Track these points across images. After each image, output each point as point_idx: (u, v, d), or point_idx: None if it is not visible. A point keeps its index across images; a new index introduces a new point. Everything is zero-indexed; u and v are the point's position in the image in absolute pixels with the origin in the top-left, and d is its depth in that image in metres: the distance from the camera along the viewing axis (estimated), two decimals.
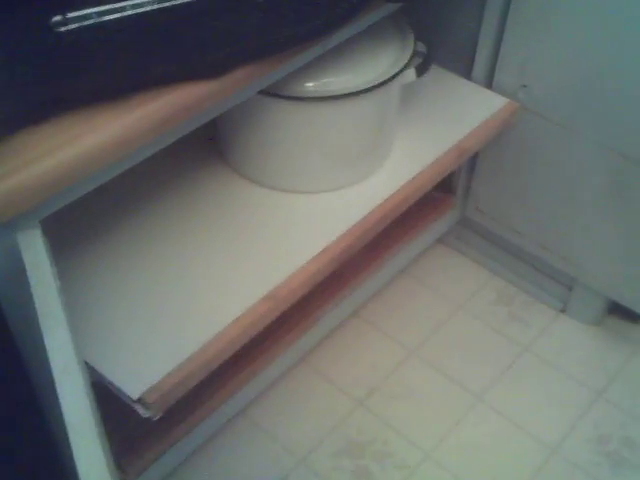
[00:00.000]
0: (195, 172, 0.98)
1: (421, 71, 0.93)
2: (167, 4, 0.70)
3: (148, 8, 0.69)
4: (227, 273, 0.86)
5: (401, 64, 0.90)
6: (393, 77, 0.88)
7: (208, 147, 1.01)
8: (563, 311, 1.29)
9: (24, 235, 0.56)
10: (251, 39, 0.68)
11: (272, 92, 0.84)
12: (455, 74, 1.13)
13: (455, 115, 1.07)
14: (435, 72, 1.09)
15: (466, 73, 1.13)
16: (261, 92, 0.81)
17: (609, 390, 1.19)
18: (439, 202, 1.26)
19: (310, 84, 0.86)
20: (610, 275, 1.16)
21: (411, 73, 0.92)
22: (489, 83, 1.11)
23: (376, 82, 0.87)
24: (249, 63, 0.68)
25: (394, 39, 0.93)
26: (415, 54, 0.92)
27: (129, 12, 0.68)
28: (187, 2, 0.70)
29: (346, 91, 0.86)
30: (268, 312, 0.84)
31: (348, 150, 0.94)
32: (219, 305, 0.82)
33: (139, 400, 0.72)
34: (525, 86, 1.06)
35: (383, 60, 0.90)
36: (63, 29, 0.66)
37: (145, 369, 0.74)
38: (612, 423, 1.14)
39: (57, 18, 0.67)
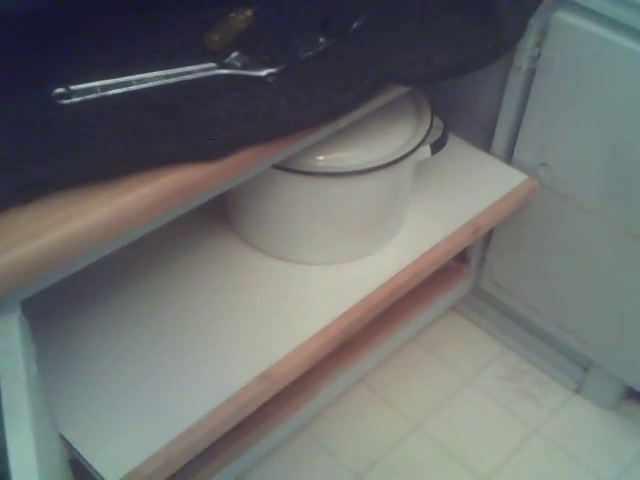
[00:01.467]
0: (199, 238, 0.96)
1: (437, 148, 0.90)
2: (173, 80, 0.68)
3: (153, 84, 0.67)
4: (222, 349, 0.83)
5: (416, 141, 0.87)
6: (406, 155, 0.86)
7: (213, 212, 0.99)
8: (577, 392, 1.24)
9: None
10: (258, 122, 0.66)
11: (281, 166, 0.82)
12: (473, 146, 1.11)
13: (472, 189, 1.04)
14: (452, 142, 1.06)
15: (485, 146, 1.11)
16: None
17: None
18: (452, 271, 1.22)
19: (321, 158, 0.84)
20: (627, 359, 1.12)
21: (426, 151, 0.90)
22: (508, 158, 1.08)
23: (388, 160, 0.85)
24: (254, 146, 0.66)
25: (410, 113, 0.91)
26: (431, 129, 0.90)
27: (134, 87, 0.67)
28: (194, 79, 0.69)
29: (357, 168, 0.83)
30: (263, 392, 0.81)
31: (357, 225, 0.92)
32: (210, 383, 0.79)
33: None
34: (545, 164, 1.03)
35: (397, 135, 0.88)
36: (66, 102, 0.65)
37: (126, 450, 0.71)
38: None
39: (60, 90, 0.65)
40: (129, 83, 0.67)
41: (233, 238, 0.96)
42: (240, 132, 0.64)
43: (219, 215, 0.99)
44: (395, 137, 0.88)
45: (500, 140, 1.08)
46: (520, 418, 1.21)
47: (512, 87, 1.01)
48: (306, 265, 0.93)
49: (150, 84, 0.67)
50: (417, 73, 0.72)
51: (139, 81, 0.67)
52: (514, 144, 1.06)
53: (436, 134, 0.91)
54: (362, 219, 0.92)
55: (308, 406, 1.07)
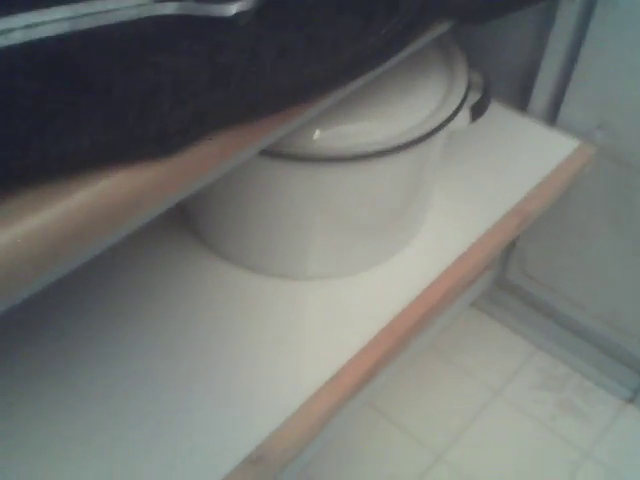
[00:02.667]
0: (159, 248, 0.70)
1: (477, 114, 0.65)
2: (88, 24, 0.41)
3: (54, 30, 0.40)
4: (197, 432, 0.58)
5: (452, 106, 0.62)
6: (440, 126, 0.60)
7: (172, 217, 0.73)
8: (631, 401, 1.02)
9: None
10: (229, 90, 0.39)
11: (267, 149, 0.56)
12: (506, 106, 0.86)
13: (512, 165, 0.79)
14: None
15: (519, 104, 0.85)
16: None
17: None
18: None
19: (320, 137, 0.58)
20: None
21: (464, 117, 0.64)
22: (552, 119, 0.83)
23: (416, 134, 0.59)
24: (225, 130, 0.40)
25: (439, 67, 0.65)
26: (470, 88, 0.64)
27: (18, 36, 0.40)
28: (121, 24, 0.42)
29: (374, 148, 0.58)
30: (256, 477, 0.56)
31: (367, 223, 0.66)
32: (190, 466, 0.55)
33: None
34: (604, 126, 0.79)
35: (425, 98, 0.63)
36: None
37: None
38: None
39: None
40: (10, 31, 0.40)
41: (200, 249, 0.70)
42: (201, 109, 0.38)
43: (180, 221, 0.72)
44: (422, 100, 0.62)
45: (542, 96, 0.83)
46: (563, 438, 0.99)
47: (562, 23, 0.76)
48: (300, 282, 0.67)
49: (48, 31, 0.40)
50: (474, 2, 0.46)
51: (29, 26, 0.40)
52: (560, 101, 0.81)
53: (473, 95, 0.66)
54: (376, 215, 0.66)
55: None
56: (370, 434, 0.98)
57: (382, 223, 0.67)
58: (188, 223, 0.71)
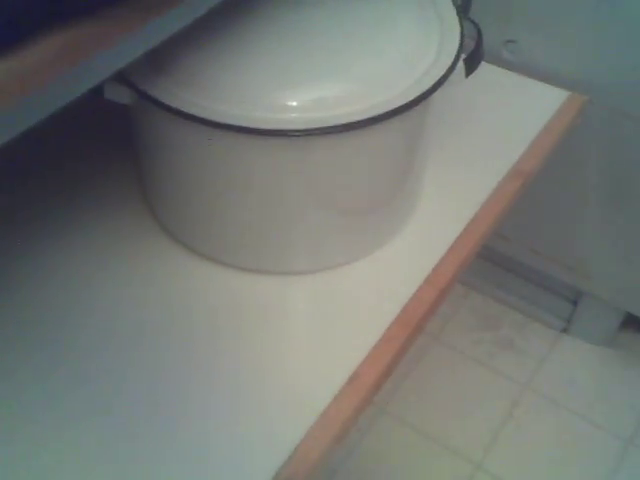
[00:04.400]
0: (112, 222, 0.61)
1: (471, 67, 0.57)
2: None
3: None
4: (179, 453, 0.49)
5: (448, 58, 0.53)
6: (439, 83, 0.52)
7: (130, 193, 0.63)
8: (565, 331, 1.01)
9: None
10: None
11: (229, 124, 0.47)
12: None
13: (500, 124, 0.72)
14: None
15: None
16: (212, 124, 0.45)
17: None
18: None
19: (298, 106, 0.49)
20: (627, 284, 0.89)
21: (459, 71, 0.56)
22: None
23: (409, 97, 0.51)
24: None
25: (422, 7, 0.57)
26: (463, 37, 0.56)
27: None
28: None
29: (363, 116, 0.49)
30: None
31: (362, 203, 0.58)
32: None
33: None
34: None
35: (414, 48, 0.54)
36: None
37: None
38: None
39: None
40: None
41: (161, 237, 0.61)
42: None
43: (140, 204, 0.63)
44: (410, 50, 0.54)
45: None
46: (504, 374, 0.96)
47: None
48: (292, 277, 0.59)
49: None
50: None
51: None
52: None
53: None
54: (371, 193, 0.58)
55: None
56: (397, 445, 0.90)
57: (378, 201, 0.59)
58: (160, 222, 0.62)
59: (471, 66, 0.56)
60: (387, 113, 0.49)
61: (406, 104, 0.50)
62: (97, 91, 0.50)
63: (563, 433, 0.91)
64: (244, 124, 0.47)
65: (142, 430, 0.49)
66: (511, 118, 0.72)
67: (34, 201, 0.62)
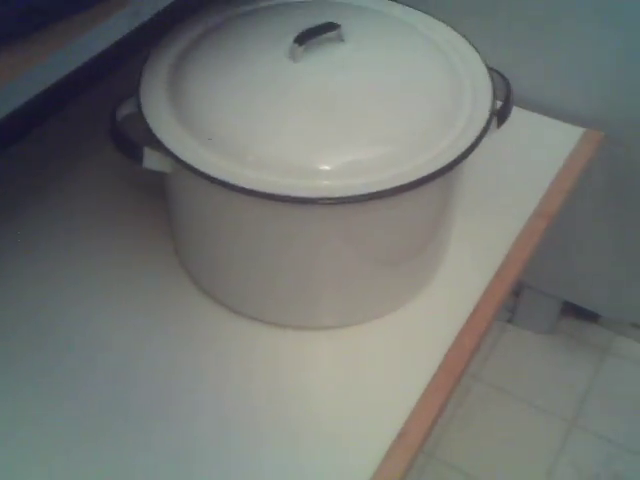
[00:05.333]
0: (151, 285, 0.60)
1: (503, 118, 0.57)
2: None
3: None
4: None
5: (482, 116, 0.54)
6: (477, 142, 0.52)
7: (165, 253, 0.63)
8: (510, 321, 1.04)
9: None
10: None
11: (254, 191, 0.47)
12: None
13: (521, 165, 0.73)
14: None
15: None
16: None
17: (583, 414, 0.92)
18: None
19: (327, 170, 0.49)
20: (562, 274, 0.94)
21: (492, 125, 0.56)
22: None
23: (451, 157, 0.51)
24: None
25: (447, 65, 0.57)
26: (495, 92, 0.56)
27: None
28: None
29: (397, 182, 0.49)
30: None
31: (389, 261, 0.58)
32: None
33: None
34: None
35: (444, 103, 0.54)
36: None
37: None
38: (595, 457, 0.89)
39: None
40: None
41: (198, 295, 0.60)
42: None
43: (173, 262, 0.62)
44: (442, 109, 0.54)
45: None
46: None
47: None
48: (320, 332, 0.59)
49: None
50: None
51: None
52: None
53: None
54: (399, 252, 0.57)
55: None
56: None
57: (411, 256, 0.59)
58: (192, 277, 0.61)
59: (502, 119, 0.57)
60: (429, 175, 0.50)
61: (446, 165, 0.50)
62: (137, 160, 0.50)
63: (511, 419, 0.93)
64: (287, 193, 0.47)
65: None
66: (529, 158, 0.73)
67: None
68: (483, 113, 0.54)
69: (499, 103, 0.56)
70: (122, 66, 0.74)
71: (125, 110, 0.53)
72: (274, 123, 0.51)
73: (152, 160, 0.50)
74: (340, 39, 0.53)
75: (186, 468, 0.50)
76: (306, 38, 0.50)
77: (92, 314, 0.58)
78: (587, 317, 1.01)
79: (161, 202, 0.60)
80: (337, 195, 0.48)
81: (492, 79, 0.57)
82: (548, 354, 1.00)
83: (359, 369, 0.57)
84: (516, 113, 0.74)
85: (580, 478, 0.88)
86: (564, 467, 0.88)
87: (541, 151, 0.74)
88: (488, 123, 0.53)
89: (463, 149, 0.51)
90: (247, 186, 0.47)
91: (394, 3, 0.62)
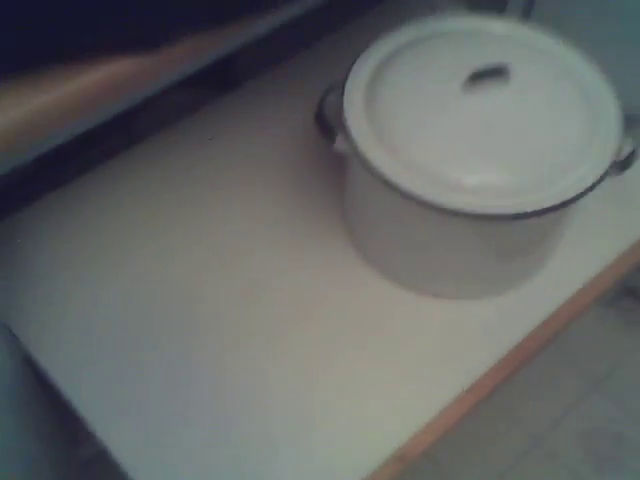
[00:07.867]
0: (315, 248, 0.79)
1: (624, 168, 0.69)
2: None
3: None
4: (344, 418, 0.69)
5: (610, 149, 0.66)
6: (592, 187, 0.65)
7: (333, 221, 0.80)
8: None
9: None
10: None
11: (426, 202, 0.62)
12: None
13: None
14: None
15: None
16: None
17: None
18: None
19: (483, 194, 0.64)
20: None
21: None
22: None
23: (581, 188, 0.64)
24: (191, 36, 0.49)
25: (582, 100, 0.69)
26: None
27: None
28: None
29: (538, 206, 0.63)
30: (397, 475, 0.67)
31: (513, 258, 0.75)
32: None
33: None
34: None
35: (577, 146, 0.67)
36: None
37: None
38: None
39: None
40: None
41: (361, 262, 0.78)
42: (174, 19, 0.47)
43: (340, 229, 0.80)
44: (575, 149, 0.66)
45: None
46: None
47: None
48: (430, 298, 0.75)
49: None
50: None
51: None
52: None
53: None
54: (525, 252, 0.74)
55: None
56: None
57: (525, 255, 0.74)
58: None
59: (623, 169, 0.68)
60: (568, 201, 0.64)
61: (577, 195, 0.64)
62: (330, 140, 0.66)
63: None
64: (460, 207, 0.62)
65: None
66: None
67: None
68: (606, 161, 0.66)
69: None
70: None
71: (330, 98, 0.69)
72: (449, 145, 0.65)
73: (341, 145, 0.66)
74: (506, 79, 0.66)
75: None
76: (478, 78, 0.64)
77: (265, 259, 0.77)
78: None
79: (339, 176, 0.76)
80: (511, 212, 0.63)
81: (620, 130, 0.67)
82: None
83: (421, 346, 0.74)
84: None
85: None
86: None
87: None
88: (606, 172, 0.65)
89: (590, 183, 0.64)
90: (427, 199, 0.62)
91: (555, 40, 0.73)
